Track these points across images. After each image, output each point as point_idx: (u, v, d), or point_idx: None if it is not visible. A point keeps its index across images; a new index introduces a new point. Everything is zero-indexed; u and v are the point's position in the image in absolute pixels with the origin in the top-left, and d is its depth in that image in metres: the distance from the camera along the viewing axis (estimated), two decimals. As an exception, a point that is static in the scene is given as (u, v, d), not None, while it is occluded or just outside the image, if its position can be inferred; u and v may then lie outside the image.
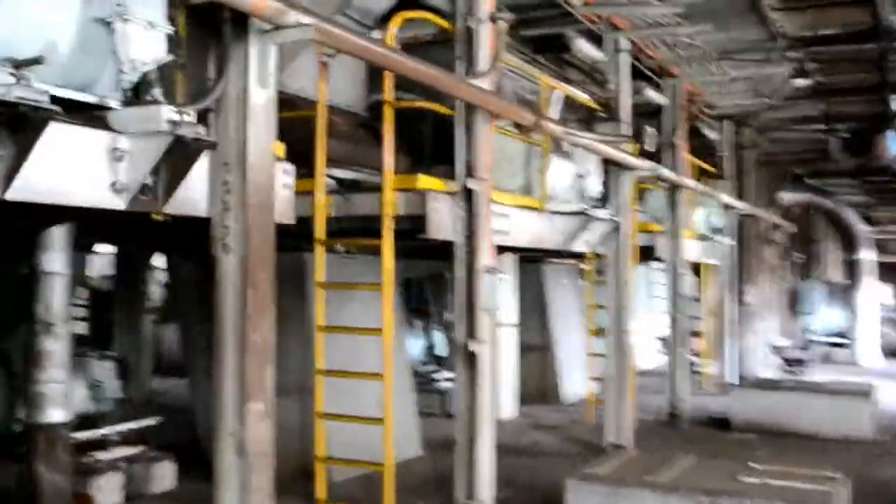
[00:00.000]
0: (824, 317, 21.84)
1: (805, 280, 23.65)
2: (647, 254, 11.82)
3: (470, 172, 6.41)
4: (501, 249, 9.95)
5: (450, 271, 6.49)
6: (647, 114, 12.34)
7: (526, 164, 8.38)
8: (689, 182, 11.36)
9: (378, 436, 6.19)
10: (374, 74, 7.00)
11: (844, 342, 20.79)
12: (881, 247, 50.37)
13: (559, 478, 6.83)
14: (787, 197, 20.11)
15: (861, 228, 20.60)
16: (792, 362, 15.22)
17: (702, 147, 14.89)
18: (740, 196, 16.01)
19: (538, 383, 13.25)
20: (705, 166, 13.80)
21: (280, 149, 4.72)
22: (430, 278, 12.42)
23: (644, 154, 10.94)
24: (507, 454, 9.64)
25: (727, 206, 14.31)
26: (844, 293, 21.02)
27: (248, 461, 3.81)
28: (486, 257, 6.41)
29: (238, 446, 3.80)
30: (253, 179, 3.98)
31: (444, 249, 7.78)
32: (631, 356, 9.52)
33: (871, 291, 20.43)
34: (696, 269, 16.38)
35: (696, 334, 16.01)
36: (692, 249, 12.89)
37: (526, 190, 8.31)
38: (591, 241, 9.04)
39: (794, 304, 22.43)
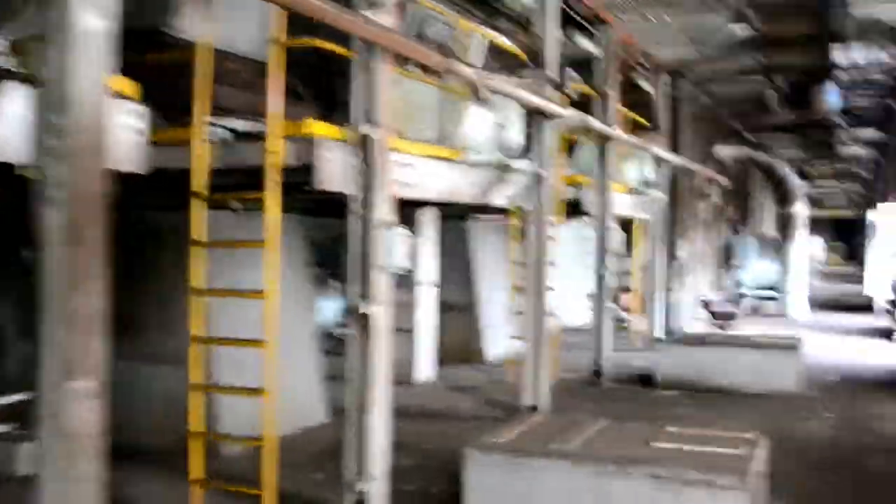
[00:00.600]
0: (756, 270, 21.81)
1: (738, 234, 23.60)
2: (577, 209, 11.44)
3: (368, 118, 5.87)
4: (414, 204, 9.49)
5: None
6: (578, 63, 11.87)
7: (441, 112, 7.85)
8: (620, 134, 10.95)
9: (279, 406, 5.71)
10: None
11: (775, 295, 20.79)
12: (815, 202, 50.98)
13: (467, 444, 6.46)
14: (724, 151, 19.89)
15: (795, 182, 20.49)
16: (720, 316, 15.07)
17: (637, 100, 14.51)
18: (675, 150, 15.72)
19: (461, 344, 12.86)
20: (639, 119, 13.41)
21: (127, 87, 4.14)
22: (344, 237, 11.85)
23: (575, 105, 10.51)
24: (417, 419, 9.29)
25: (660, 160, 13.97)
26: (777, 247, 20.97)
27: (71, 446, 3.30)
28: (383, 211, 5.90)
29: (60, 429, 3.29)
30: (80, 120, 3.41)
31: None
32: (548, 315, 9.13)
33: (803, 245, 20.41)
34: (628, 224, 16.18)
35: (626, 290, 15.82)
36: (622, 204, 12.54)
37: (441, 140, 7.79)
38: (511, 195, 8.58)
39: (728, 258, 22.39)
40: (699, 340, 11.38)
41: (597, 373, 11.29)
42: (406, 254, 6.00)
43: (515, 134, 8.52)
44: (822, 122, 21.27)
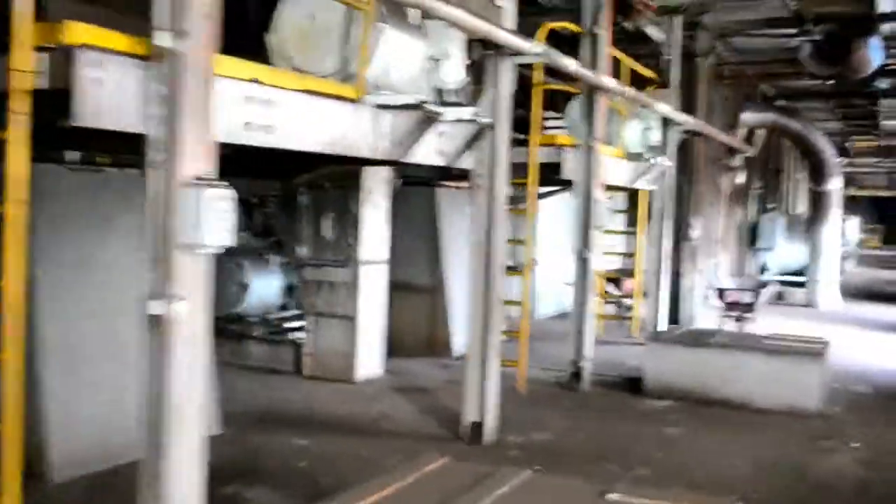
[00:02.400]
0: (783, 253, 19.63)
1: (765, 213, 21.36)
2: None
3: (174, 24, 3.90)
4: (359, 161, 7.50)
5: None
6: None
7: (345, 36, 5.88)
8: (608, 82, 8.86)
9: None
10: None
11: (802, 281, 18.61)
12: (853, 180, 48.16)
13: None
14: (749, 117, 17.63)
15: (831, 155, 18.19)
16: (735, 306, 12.96)
17: (646, 54, 12.37)
18: (689, 111, 13.56)
19: (424, 333, 10.94)
20: (644, 71, 11.28)
21: None
22: (282, 199, 9.94)
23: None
24: (328, 431, 7.43)
25: (667, 121, 11.84)
26: (807, 228, 18.73)
27: None
28: (192, 163, 3.95)
29: None
30: None
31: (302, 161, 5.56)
32: (499, 308, 7.16)
33: (836, 226, 18.15)
34: (633, 196, 14.07)
35: (628, 274, 13.79)
36: (616, 171, 10.48)
37: (344, 73, 5.83)
38: (446, 151, 6.58)
39: (752, 239, 20.21)
40: (701, 338, 9.32)
41: (575, 375, 9.32)
42: (228, 227, 4.02)
43: (454, 70, 6.49)
44: (863, 90, 18.99)
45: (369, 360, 9.50)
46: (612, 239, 15.07)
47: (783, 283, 19.41)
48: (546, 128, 12.31)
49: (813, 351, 8.75)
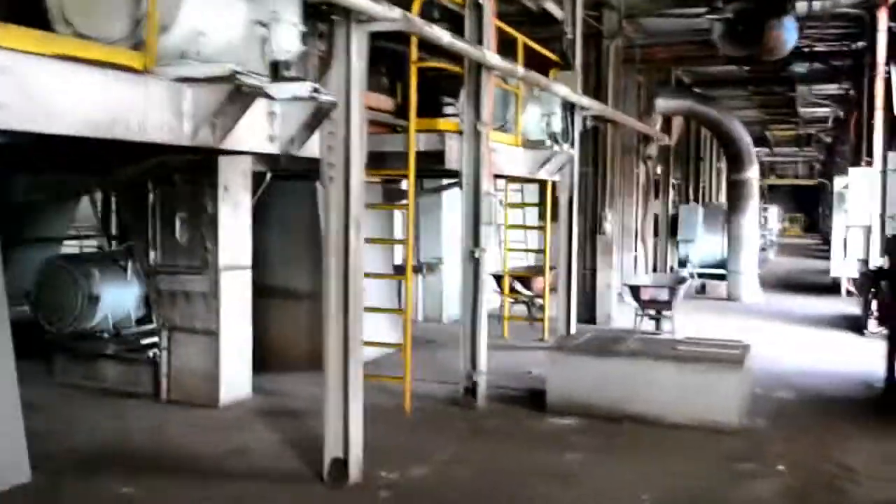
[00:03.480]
0: (704, 245, 18.90)
1: (683, 203, 20.64)
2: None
3: None
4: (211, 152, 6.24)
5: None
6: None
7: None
8: (493, 58, 7.75)
9: None
10: None
11: (723, 273, 17.86)
12: (773, 169, 48.21)
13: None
14: (664, 104, 16.81)
15: (748, 143, 17.45)
16: (651, 304, 12.05)
17: (556, 38, 11.35)
18: (598, 97, 12.61)
19: (306, 343, 9.67)
20: (538, 48, 10.23)
21: None
22: (129, 196, 8.62)
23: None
24: (164, 475, 6.21)
25: (572, 107, 10.83)
26: (727, 218, 17.98)
27: None
28: None
29: None
30: None
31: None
32: (359, 319, 6.00)
33: (755, 217, 17.42)
34: (542, 187, 13.05)
35: (538, 272, 12.77)
36: (512, 160, 9.41)
37: (139, 39, 4.61)
38: (279, 135, 5.40)
39: (672, 231, 19.44)
40: (608, 345, 8.28)
41: (469, 390, 8.20)
42: None
43: (289, 40, 5.31)
44: (780, 75, 18.38)
45: (234, 380, 8.27)
46: (521, 235, 14.11)
47: (704, 275, 18.67)
48: (444, 115, 11.24)
49: (731, 358, 7.78)
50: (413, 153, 7.77)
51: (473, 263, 8.16)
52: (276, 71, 5.39)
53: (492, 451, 6.92)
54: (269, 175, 8.93)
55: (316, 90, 5.36)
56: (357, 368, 6.00)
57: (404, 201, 13.50)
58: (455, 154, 8.00)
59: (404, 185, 13.49)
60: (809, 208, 51.09)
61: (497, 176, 10.30)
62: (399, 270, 13.39)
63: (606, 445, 7.06)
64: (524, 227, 12.60)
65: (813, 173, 48.28)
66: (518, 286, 13.01)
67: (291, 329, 9.80)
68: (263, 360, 8.97)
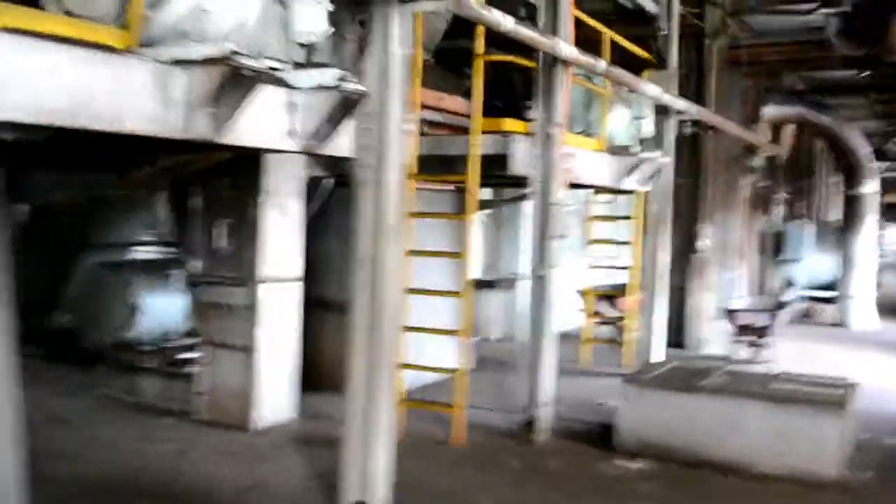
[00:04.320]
0: (812, 265, 17.44)
1: (792, 220, 19.16)
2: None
3: None
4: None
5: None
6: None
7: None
8: (569, 50, 6.86)
9: None
10: None
11: (833, 296, 16.41)
12: (892, 184, 45.49)
13: None
14: (772, 111, 15.52)
15: (866, 154, 15.98)
16: (748, 330, 10.92)
17: (651, 36, 10.41)
18: (699, 101, 11.55)
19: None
20: (627, 44, 9.29)
21: None
22: (173, 199, 8.07)
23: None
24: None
25: (665, 110, 9.85)
26: (840, 236, 16.51)
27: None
28: None
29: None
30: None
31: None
32: (391, 339, 5.23)
33: (872, 235, 15.90)
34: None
35: (620, 291, 11.75)
36: (592, 166, 8.50)
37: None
38: (300, 130, 4.69)
39: (777, 249, 18.03)
40: (691, 379, 7.28)
41: (530, 423, 7.33)
42: None
43: (314, 20, 4.59)
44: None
45: (273, 401, 7.61)
46: (614, 251, 13.11)
47: (812, 298, 17.22)
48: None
49: (833, 399, 6.69)
50: (476, 157, 6.97)
51: (540, 283, 7.29)
52: (309, 55, 4.71)
53: (544, 499, 6.04)
54: (329, 181, 8.29)
55: (343, 78, 4.62)
56: (386, 396, 5.23)
57: (486, 210, 12.94)
58: (522, 158, 7.15)
59: (485, 193, 12.86)
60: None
61: (577, 185, 9.42)
62: (475, 286, 12.61)
63: (681, 498, 6.10)
64: (606, 241, 11.59)
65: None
66: (603, 306, 12.03)
67: (339, 346, 9.11)
68: (317, 378, 8.32)
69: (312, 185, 8.19)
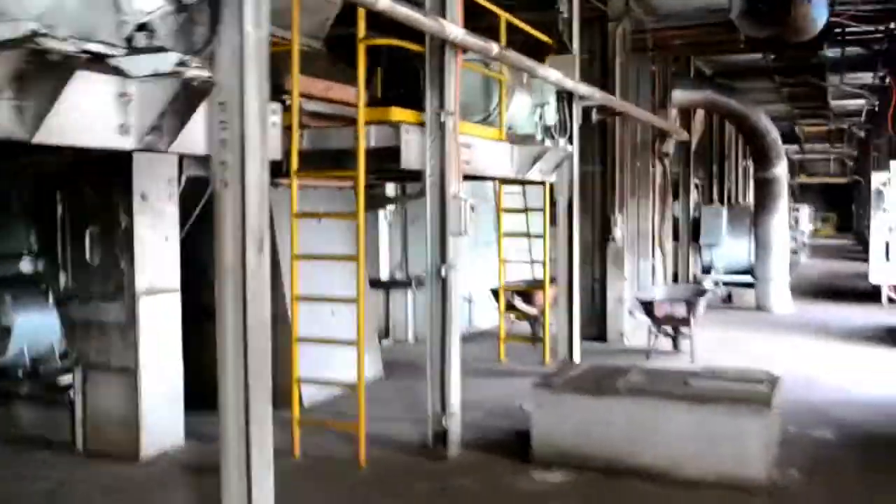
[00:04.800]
0: (729, 250, 17.31)
1: (707, 205, 19.05)
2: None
3: None
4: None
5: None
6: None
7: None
8: (456, 31, 6.29)
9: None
10: None
11: (750, 281, 16.29)
12: (802, 167, 46.35)
13: None
14: (681, 96, 15.28)
15: (776, 137, 15.87)
16: (665, 320, 10.56)
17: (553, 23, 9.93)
18: (604, 87, 11.14)
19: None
20: (522, 25, 8.80)
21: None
22: (36, 201, 7.28)
23: None
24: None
25: (566, 96, 9.39)
26: (754, 220, 16.38)
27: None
28: None
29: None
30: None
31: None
32: (259, 360, 4.61)
33: (784, 218, 15.79)
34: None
35: (536, 286, 11.29)
36: (493, 157, 7.98)
37: None
38: (136, 125, 4.02)
39: (695, 235, 17.86)
40: (607, 381, 6.80)
41: (439, 436, 6.76)
42: None
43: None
44: (809, 62, 16.78)
45: (160, 427, 6.89)
46: (524, 243, 12.66)
47: (730, 283, 17.09)
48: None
49: (757, 396, 6.28)
50: (362, 150, 6.37)
51: (440, 283, 6.72)
52: (146, 37, 4.03)
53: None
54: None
55: (183, 63, 3.96)
56: (262, 419, 4.61)
57: (390, 207, 12.35)
58: (414, 150, 6.57)
59: (389, 188, 12.27)
60: (841, 207, 49.16)
61: (479, 177, 8.91)
62: (378, 286, 12.03)
63: (598, 511, 5.63)
64: (517, 234, 11.12)
65: (845, 170, 46.31)
66: (518, 302, 11.56)
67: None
68: (204, 395, 7.60)
69: (192, 187, 7.48)
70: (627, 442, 6.25)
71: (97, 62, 3.71)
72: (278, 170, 7.43)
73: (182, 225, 7.67)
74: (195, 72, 3.98)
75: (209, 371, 7.98)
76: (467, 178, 8.91)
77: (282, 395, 7.97)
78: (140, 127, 4.05)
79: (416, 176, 6.96)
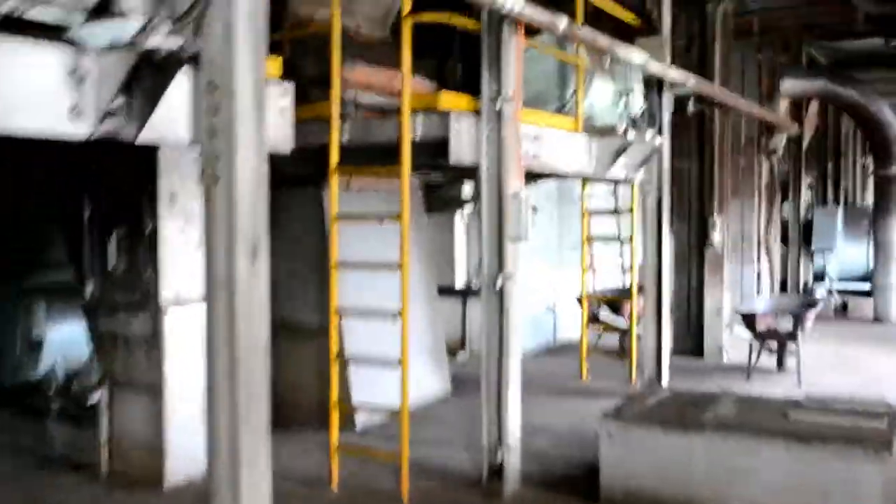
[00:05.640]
0: (845, 255, 15.83)
1: (821, 207, 17.54)
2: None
3: None
4: None
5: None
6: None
7: None
8: (513, 2, 5.41)
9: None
10: None
11: (867, 289, 14.81)
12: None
13: None
14: (791, 86, 13.95)
15: (899, 130, 14.35)
16: (769, 336, 9.41)
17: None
18: (703, 75, 10.06)
19: (316, 393, 7.57)
20: (609, 6, 7.85)
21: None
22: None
23: None
24: None
25: (655, 83, 8.40)
26: (873, 222, 14.89)
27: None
28: None
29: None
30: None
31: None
32: (255, 389, 3.87)
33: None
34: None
35: (626, 296, 10.28)
36: (566, 150, 7.05)
37: None
38: (87, 106, 3.32)
39: (806, 239, 16.42)
40: (691, 412, 5.80)
41: (494, 471, 5.90)
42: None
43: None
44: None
45: (189, 451, 6.22)
46: (615, 249, 11.66)
47: (846, 292, 15.61)
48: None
49: (874, 434, 5.19)
50: (407, 143, 5.58)
51: (497, 295, 5.86)
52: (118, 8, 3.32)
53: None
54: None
55: (147, 30, 3.23)
56: (254, 461, 3.86)
57: (468, 208, 11.50)
58: (467, 142, 5.73)
59: (466, 189, 11.44)
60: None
61: (548, 175, 8.01)
62: (453, 294, 11.19)
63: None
64: (600, 238, 10.14)
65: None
66: (604, 313, 10.59)
67: (295, 374, 7.78)
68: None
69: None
70: (711, 486, 5.27)
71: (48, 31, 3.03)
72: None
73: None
74: (157, 40, 3.23)
75: (276, 387, 7.42)
76: (537, 176, 8.06)
77: (341, 417, 7.30)
78: (98, 109, 3.33)
79: (473, 173, 6.12)
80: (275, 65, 4.12)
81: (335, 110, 5.85)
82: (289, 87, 4.27)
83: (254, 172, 3.71)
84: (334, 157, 5.87)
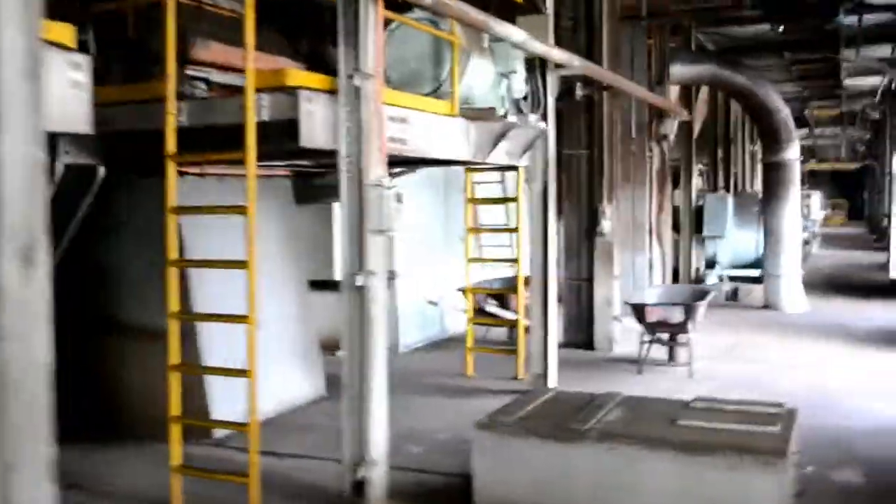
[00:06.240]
0: (735, 242, 15.80)
1: (711, 193, 17.50)
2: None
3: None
4: None
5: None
6: None
7: None
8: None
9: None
10: None
11: (757, 275, 14.78)
12: (811, 152, 44.44)
13: None
14: (681, 71, 13.75)
15: (787, 115, 14.29)
16: (657, 326, 9.07)
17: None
18: (590, 58, 9.64)
19: (162, 399, 6.82)
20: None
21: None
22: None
23: None
24: None
25: (539, 64, 7.90)
26: (763, 209, 14.85)
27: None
28: None
29: None
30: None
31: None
32: (34, 412, 3.13)
33: (796, 206, 14.16)
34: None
35: (512, 287, 9.82)
36: (440, 136, 6.46)
37: None
38: None
39: (698, 226, 16.33)
40: (570, 420, 5.30)
41: (358, 487, 5.30)
42: None
43: None
44: (822, 31, 15.22)
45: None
46: (506, 240, 11.20)
47: (736, 279, 15.58)
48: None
49: (768, 441, 4.78)
50: (252, 125, 4.90)
51: (358, 294, 5.24)
52: None
53: None
54: (100, 169, 6.15)
55: None
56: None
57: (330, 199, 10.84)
58: (320, 124, 5.08)
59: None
60: (852, 194, 47.48)
61: (428, 161, 7.44)
62: (331, 288, 10.51)
63: None
64: (485, 229, 9.65)
65: (856, 156, 44.55)
66: (490, 306, 10.10)
67: (147, 382, 7.00)
68: (127, 425, 6.45)
69: (75, 177, 6.04)
70: (595, 500, 4.78)
71: None
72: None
73: (65, 224, 6.34)
74: None
75: (126, 395, 6.79)
76: (410, 162, 7.48)
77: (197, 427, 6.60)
78: None
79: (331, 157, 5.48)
80: (64, 31, 3.41)
81: (171, 89, 5.13)
82: (84, 59, 3.55)
83: (23, 157, 2.99)
84: (171, 141, 5.16)
